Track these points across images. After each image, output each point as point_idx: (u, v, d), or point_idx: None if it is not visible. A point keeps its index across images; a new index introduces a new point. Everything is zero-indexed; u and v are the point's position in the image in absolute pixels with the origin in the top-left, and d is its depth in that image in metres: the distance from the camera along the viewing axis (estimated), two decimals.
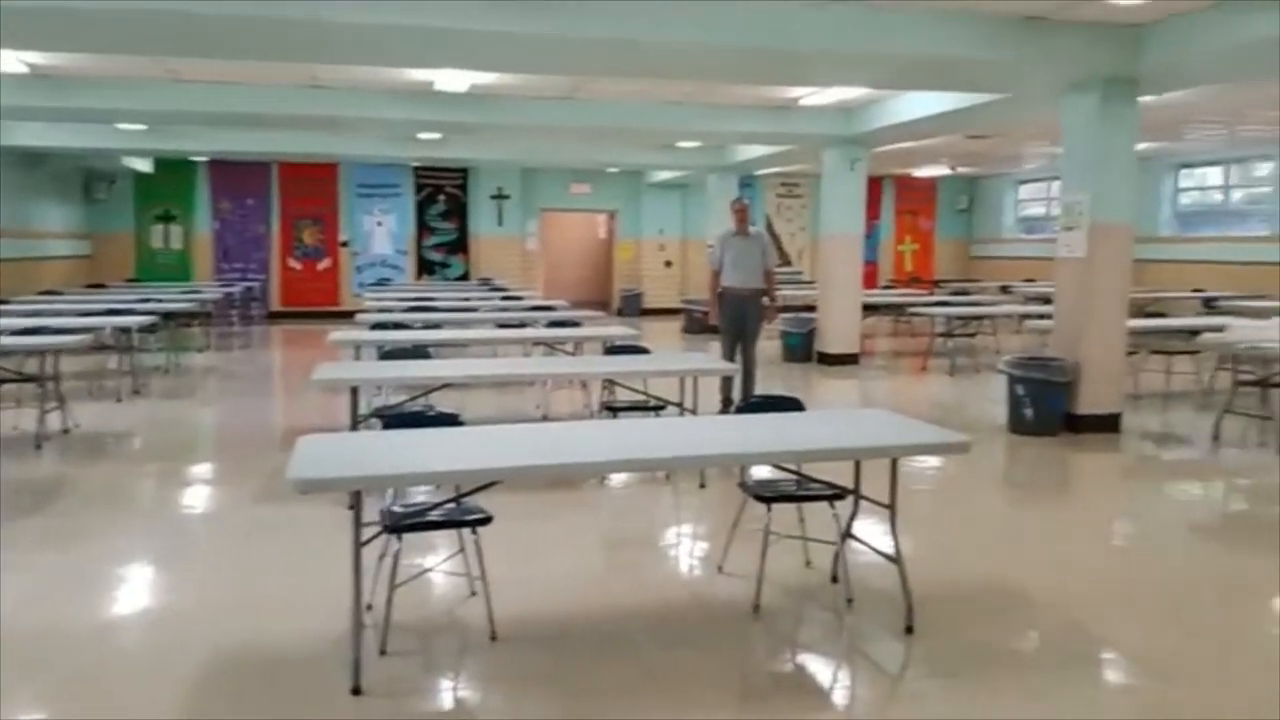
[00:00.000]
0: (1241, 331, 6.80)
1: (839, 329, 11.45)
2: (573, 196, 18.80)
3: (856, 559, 4.05)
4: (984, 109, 8.72)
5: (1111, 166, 7.18)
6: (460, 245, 18.41)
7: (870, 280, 17.39)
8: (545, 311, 10.34)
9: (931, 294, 15.89)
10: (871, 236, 18.42)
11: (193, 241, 17.44)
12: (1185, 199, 15.53)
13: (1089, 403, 7.22)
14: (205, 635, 3.53)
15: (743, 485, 4.01)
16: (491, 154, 15.03)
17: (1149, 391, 8.98)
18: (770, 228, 19.17)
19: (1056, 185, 18.32)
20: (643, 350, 6.45)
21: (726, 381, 7.92)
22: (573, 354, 7.62)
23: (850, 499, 3.89)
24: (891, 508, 3.67)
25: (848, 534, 3.96)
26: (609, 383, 6.34)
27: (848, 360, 11.36)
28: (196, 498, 5.75)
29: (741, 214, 8.02)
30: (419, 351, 6.37)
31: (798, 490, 3.94)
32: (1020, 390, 7.23)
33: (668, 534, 5.05)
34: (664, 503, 5.56)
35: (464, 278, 18.09)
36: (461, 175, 18.15)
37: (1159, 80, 7.02)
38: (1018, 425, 7.30)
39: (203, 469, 6.57)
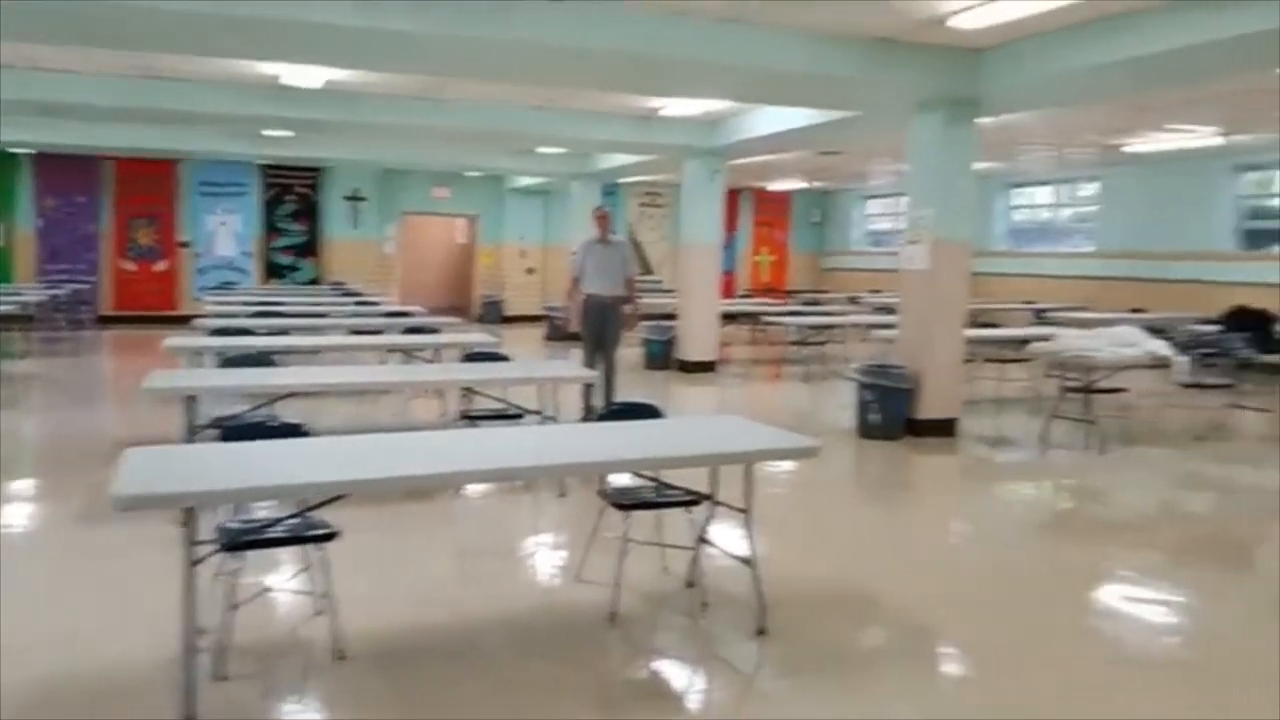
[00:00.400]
0: (1067, 341, 7.29)
1: (698, 337, 11.65)
2: (433, 200, 18.43)
3: (712, 563, 4.10)
4: (836, 125, 9.05)
5: (953, 184, 7.58)
6: (310, 248, 17.74)
7: (728, 290, 17.82)
8: (401, 318, 10.08)
9: (785, 304, 16.41)
10: (730, 247, 18.89)
11: (14, 240, 16.12)
12: (1017, 216, 16.58)
13: (929, 408, 7.58)
14: (17, 670, 3.23)
15: (602, 493, 3.99)
16: (347, 154, 14.55)
17: (984, 397, 9.52)
18: (633, 236, 19.33)
19: (902, 201, 19.31)
20: (502, 358, 6.36)
21: (588, 388, 7.90)
22: (430, 361, 7.43)
23: (707, 504, 3.93)
24: (746, 512, 3.73)
25: (703, 539, 4.00)
26: (468, 391, 6.21)
27: (706, 368, 11.57)
28: (12, 517, 5.28)
29: (603, 221, 8.05)
30: (263, 359, 6.07)
31: (656, 497, 3.95)
32: (867, 396, 7.53)
33: (525, 544, 4.98)
34: (522, 512, 5.49)
35: (314, 282, 17.42)
36: (313, 175, 17.50)
37: (997, 102, 7.46)
38: (865, 429, 7.59)
39: (20, 486, 6.04)
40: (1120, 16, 5.80)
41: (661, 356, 11.85)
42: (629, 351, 11.81)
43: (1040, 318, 13.05)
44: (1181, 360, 7.19)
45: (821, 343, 11.76)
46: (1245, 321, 7.74)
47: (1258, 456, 7.34)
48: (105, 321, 16.06)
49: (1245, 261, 12.16)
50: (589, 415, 8.00)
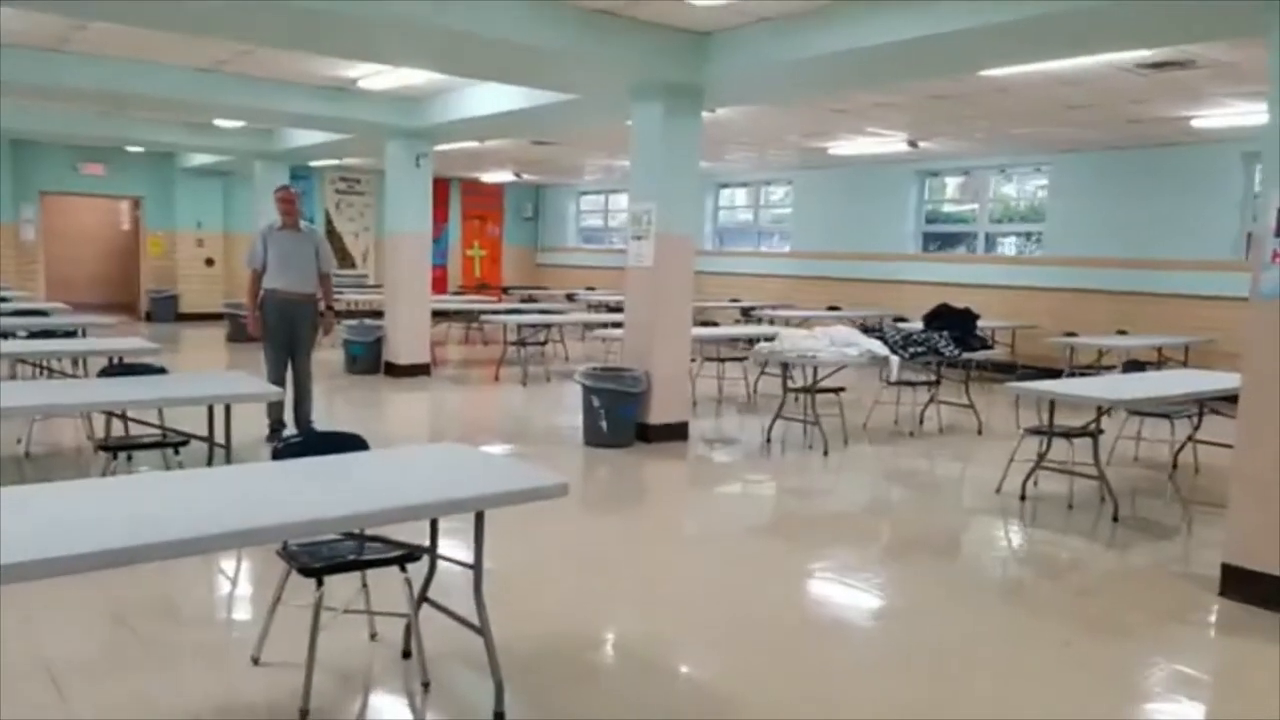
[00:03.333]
0: (793, 341, 7.19)
1: (408, 337, 10.61)
2: (83, 178, 15.72)
3: (434, 625, 3.29)
4: (552, 111, 8.46)
5: (678, 176, 7.24)
6: None
7: (440, 286, 16.77)
8: (34, 317, 8.18)
9: (500, 301, 15.70)
10: (440, 241, 17.84)
11: None
12: (723, 215, 17.00)
13: (660, 412, 7.20)
14: None
15: (285, 553, 3.05)
16: None
17: (706, 397, 9.38)
18: (330, 226, 17.73)
19: (614, 198, 19.40)
20: (157, 370, 5.08)
21: (274, 405, 6.73)
22: (67, 376, 5.94)
23: (425, 558, 3.14)
24: (477, 568, 2.97)
25: (423, 599, 3.20)
26: (111, 415, 4.89)
27: (418, 371, 10.56)
28: None
29: (288, 204, 6.87)
30: None
31: (358, 555, 3.08)
32: (596, 402, 7.00)
33: (183, 623, 3.83)
34: (180, 581, 4.25)
35: None
36: None
37: (722, 91, 7.19)
38: (593, 437, 7.07)
39: None
40: (857, 6, 5.65)
41: (367, 359, 10.69)
42: (329, 355, 10.57)
43: (746, 315, 13.34)
44: (894, 359, 7.33)
45: (541, 343, 11.16)
46: (950, 320, 8.06)
47: (960, 449, 7.66)
48: None
49: (929, 262, 13.11)
50: (277, 432, 6.85)
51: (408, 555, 3.08)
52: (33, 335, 6.75)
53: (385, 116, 9.87)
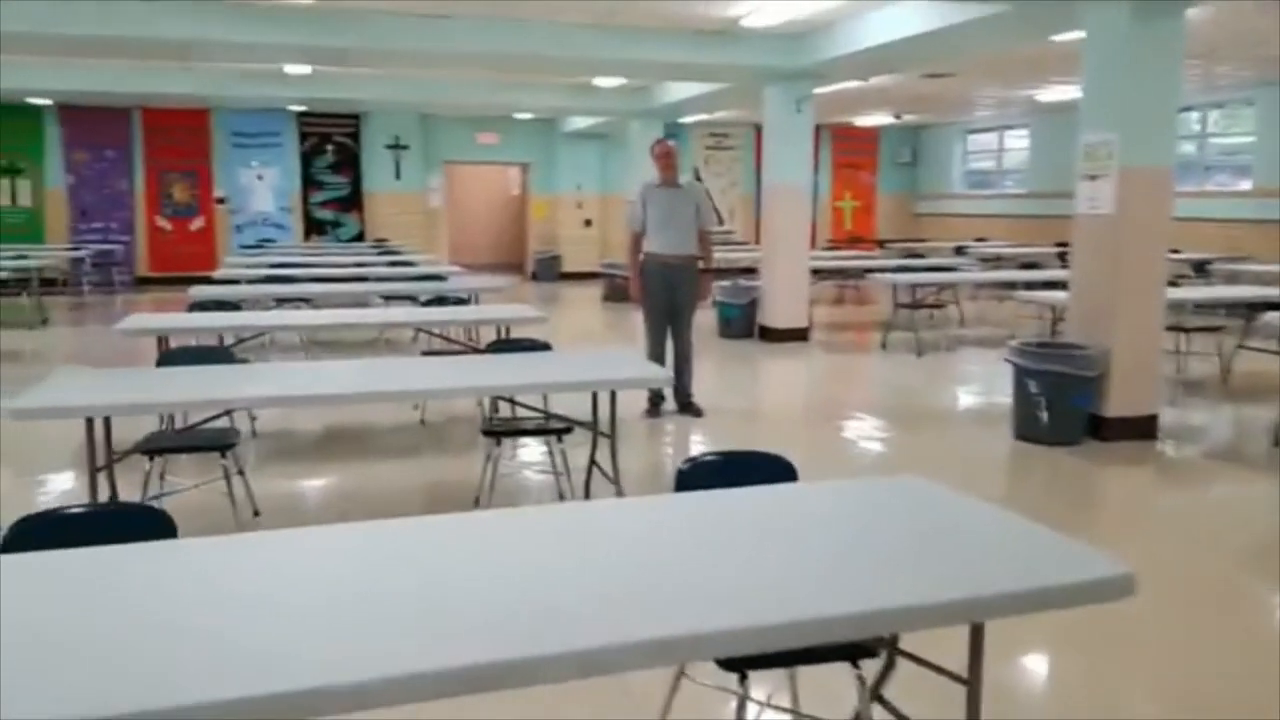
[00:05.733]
0: None
1: (785, 298, 9.76)
2: (479, 147, 16.72)
3: None
4: (963, 31, 7.06)
5: (1152, 94, 5.58)
6: (354, 202, 16.25)
7: (809, 240, 15.83)
8: (433, 282, 8.41)
9: (876, 255, 14.42)
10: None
11: (43, 198, 14.99)
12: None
13: (1120, 402, 5.66)
14: None
15: None
16: (382, 95, 12.88)
17: (1186, 381, 7.48)
18: (699, 181, 17.42)
19: (1009, 136, 17.10)
20: (541, 346, 4.63)
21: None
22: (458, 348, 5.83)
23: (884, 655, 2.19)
24: (974, 687, 1.95)
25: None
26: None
27: (795, 336, 9.68)
28: None
29: (666, 158, 6.22)
30: (223, 354, 4.48)
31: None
32: (1034, 387, 5.63)
33: None
34: None
35: (359, 238, 15.98)
36: (353, 122, 15.95)
37: None
38: (1028, 430, 5.72)
39: None
40: None
41: (741, 323, 9.99)
42: (700, 317, 10.02)
43: (1200, 272, 10.85)
44: None
45: (938, 305, 9.77)
46: None
47: None
48: (143, 283, 14.83)
49: None
50: (656, 407, 6.34)
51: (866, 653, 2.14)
52: (428, 303, 6.76)
53: (766, 58, 8.99)
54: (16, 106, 13.94)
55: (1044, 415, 5.57)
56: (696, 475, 2.43)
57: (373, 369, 4.59)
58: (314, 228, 16.09)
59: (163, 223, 15.64)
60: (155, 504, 2.17)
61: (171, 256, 15.40)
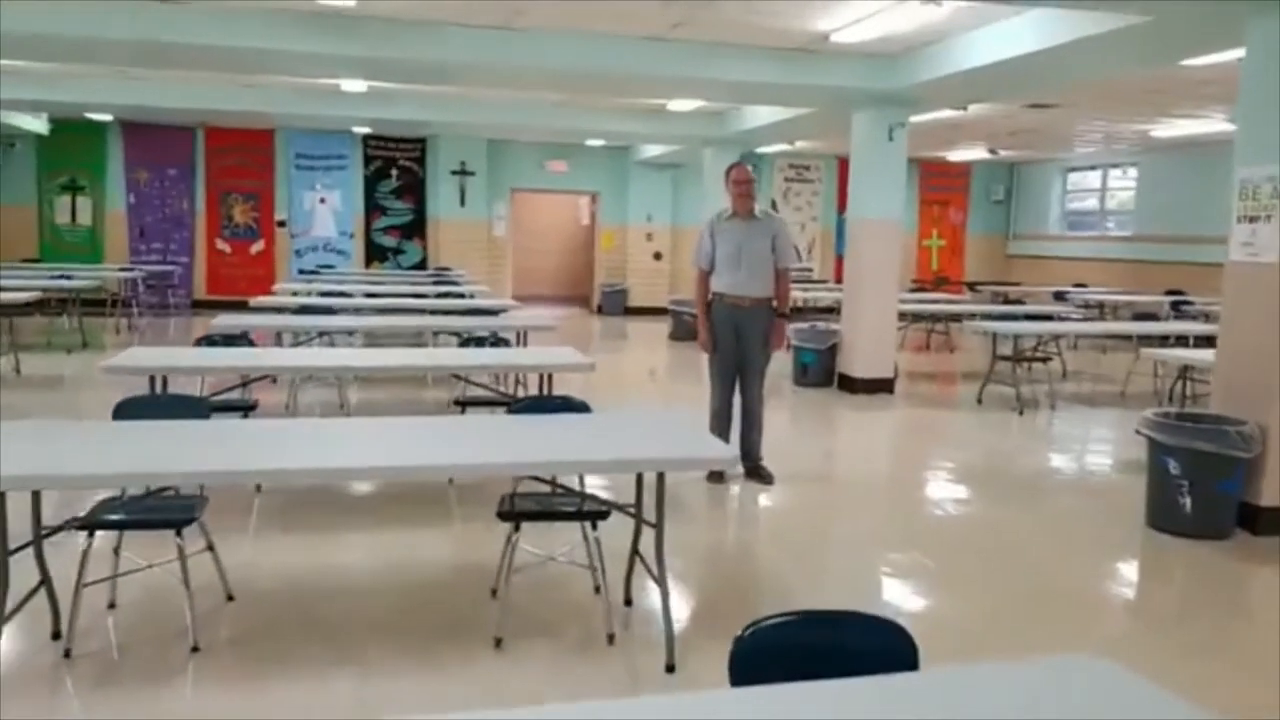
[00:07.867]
0: None
1: (870, 344, 8.77)
2: (548, 175, 16.12)
3: None
4: (1083, 49, 6.10)
5: None
6: (417, 229, 15.78)
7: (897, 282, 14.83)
8: (483, 317, 7.71)
9: (965, 298, 13.34)
10: None
11: (104, 217, 14.85)
12: None
13: (1275, 488, 4.62)
14: None
15: None
16: (447, 117, 12.36)
17: None
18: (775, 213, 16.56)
19: (1113, 174, 15.84)
20: (578, 407, 3.80)
21: (720, 428, 5.33)
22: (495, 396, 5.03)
23: None
24: None
25: None
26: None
27: (880, 387, 8.68)
28: None
29: (744, 185, 5.38)
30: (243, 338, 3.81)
31: None
32: (1173, 466, 4.61)
33: None
34: None
35: (421, 266, 15.49)
36: (418, 146, 15.52)
37: None
38: (1165, 519, 4.70)
39: None
40: None
41: (819, 370, 9.04)
42: (773, 362, 9.13)
43: None
44: None
45: (1044, 358, 8.70)
46: None
47: None
48: (200, 306, 14.54)
49: None
50: (717, 476, 5.46)
51: None
52: (464, 343, 6.02)
53: (856, 79, 8.09)
54: (78, 122, 13.80)
55: (1185, 501, 4.54)
56: (760, 655, 1.58)
57: (363, 433, 3.61)
58: (375, 254, 15.67)
59: (222, 245, 15.36)
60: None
61: (229, 280, 15.08)
